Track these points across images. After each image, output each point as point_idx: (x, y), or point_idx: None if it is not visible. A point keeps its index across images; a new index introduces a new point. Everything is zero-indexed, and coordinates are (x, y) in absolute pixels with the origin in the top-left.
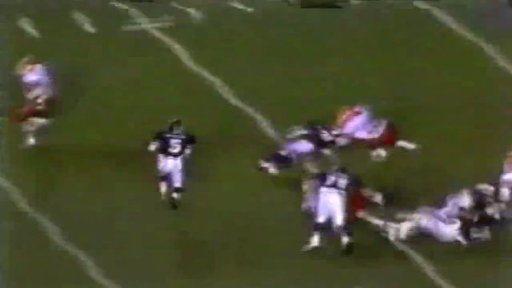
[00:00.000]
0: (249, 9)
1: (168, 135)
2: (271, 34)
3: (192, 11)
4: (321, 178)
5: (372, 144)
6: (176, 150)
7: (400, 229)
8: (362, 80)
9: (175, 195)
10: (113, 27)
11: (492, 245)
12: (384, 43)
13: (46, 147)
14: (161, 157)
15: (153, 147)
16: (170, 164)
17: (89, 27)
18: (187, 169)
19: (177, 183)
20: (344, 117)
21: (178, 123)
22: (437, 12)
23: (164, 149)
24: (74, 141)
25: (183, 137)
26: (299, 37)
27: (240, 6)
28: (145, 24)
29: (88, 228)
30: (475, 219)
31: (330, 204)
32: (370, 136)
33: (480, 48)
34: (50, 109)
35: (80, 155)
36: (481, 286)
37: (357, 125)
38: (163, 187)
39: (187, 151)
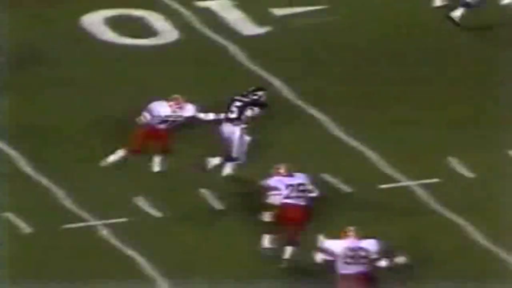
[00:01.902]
0: None
1: (235, 97)
2: None
3: None
4: None
5: None
6: (233, 115)
7: None
8: None
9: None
10: None
11: None
12: None
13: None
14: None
15: (211, 116)
16: (226, 130)
17: None
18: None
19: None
20: None
21: (259, 89)
22: None
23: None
24: None
25: (247, 100)
26: None
27: None
28: None
29: None
30: None
31: None
32: None
33: None
34: None
35: None
36: None
37: None
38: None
39: (248, 112)
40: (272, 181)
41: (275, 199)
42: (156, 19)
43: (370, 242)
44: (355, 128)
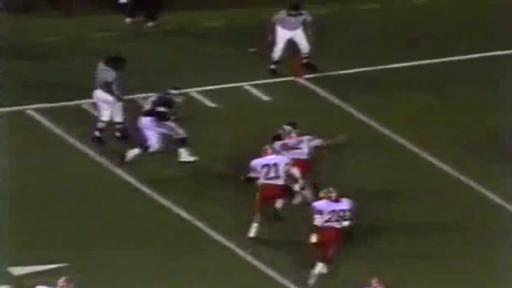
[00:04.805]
0: None
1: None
2: None
3: None
4: None
5: None
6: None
7: None
8: None
9: None
10: None
11: None
12: None
13: None
14: None
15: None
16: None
17: None
18: None
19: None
20: None
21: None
22: None
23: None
24: None
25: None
26: None
27: None
28: None
29: None
30: None
31: None
32: None
33: None
34: None
35: None
36: None
37: None
38: None
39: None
40: (319, 205)
41: (317, 221)
42: None
43: None
44: None
